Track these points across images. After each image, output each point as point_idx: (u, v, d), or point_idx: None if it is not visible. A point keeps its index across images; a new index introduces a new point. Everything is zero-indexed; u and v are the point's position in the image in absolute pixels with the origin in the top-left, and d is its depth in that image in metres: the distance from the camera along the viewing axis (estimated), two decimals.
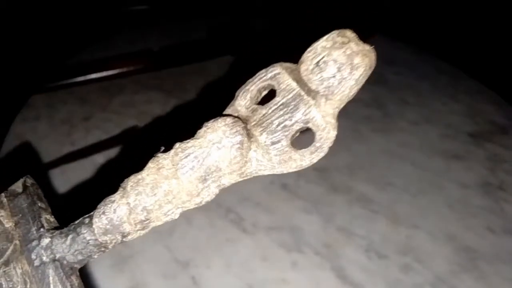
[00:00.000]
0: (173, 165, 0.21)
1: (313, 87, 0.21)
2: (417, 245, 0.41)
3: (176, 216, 0.21)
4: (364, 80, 0.21)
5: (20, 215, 0.22)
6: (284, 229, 0.42)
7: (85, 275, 0.38)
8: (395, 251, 0.40)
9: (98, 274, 0.38)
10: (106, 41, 0.80)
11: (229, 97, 0.23)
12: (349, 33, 0.20)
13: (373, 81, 0.74)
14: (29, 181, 0.24)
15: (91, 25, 0.85)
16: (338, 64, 0.20)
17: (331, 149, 0.21)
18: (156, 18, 0.89)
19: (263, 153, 0.21)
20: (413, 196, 0.46)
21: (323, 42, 0.20)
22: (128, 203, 0.20)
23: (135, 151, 0.51)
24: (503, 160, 0.51)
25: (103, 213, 0.21)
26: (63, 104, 0.62)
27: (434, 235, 0.42)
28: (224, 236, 0.42)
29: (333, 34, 0.20)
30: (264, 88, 0.24)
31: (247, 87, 0.24)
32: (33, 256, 0.20)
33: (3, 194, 0.23)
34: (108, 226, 0.21)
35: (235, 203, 0.45)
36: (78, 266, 0.21)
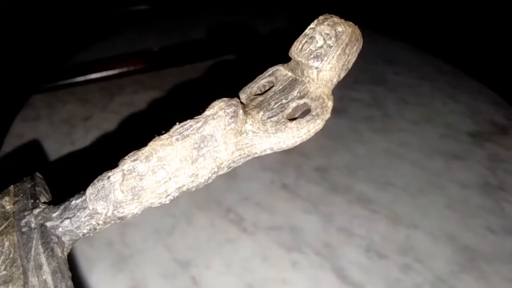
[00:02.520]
0: (169, 135, 0.22)
1: (303, 60, 0.22)
2: (417, 245, 0.41)
3: (171, 191, 0.21)
4: (352, 52, 0.23)
5: (21, 195, 0.22)
6: (284, 229, 0.42)
7: (84, 275, 0.38)
8: (395, 251, 0.40)
9: (98, 273, 0.38)
10: (106, 41, 0.80)
11: (230, 97, 0.24)
12: (332, 14, 0.23)
13: (373, 81, 0.74)
14: (38, 175, 0.25)
15: (91, 25, 0.85)
16: (324, 35, 0.22)
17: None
18: (156, 18, 0.89)
19: (259, 126, 0.22)
20: (413, 196, 0.46)
21: (310, 26, 0.23)
22: (122, 170, 0.21)
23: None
24: (503, 160, 0.51)
25: (98, 180, 0.21)
26: (63, 104, 0.62)
27: (434, 235, 0.42)
28: (224, 236, 0.42)
29: (318, 17, 0.23)
30: (264, 86, 0.25)
31: (248, 85, 0.25)
32: (22, 224, 0.20)
33: (12, 185, 0.23)
34: (100, 192, 0.21)
35: (235, 203, 0.45)
36: (66, 241, 0.21)
